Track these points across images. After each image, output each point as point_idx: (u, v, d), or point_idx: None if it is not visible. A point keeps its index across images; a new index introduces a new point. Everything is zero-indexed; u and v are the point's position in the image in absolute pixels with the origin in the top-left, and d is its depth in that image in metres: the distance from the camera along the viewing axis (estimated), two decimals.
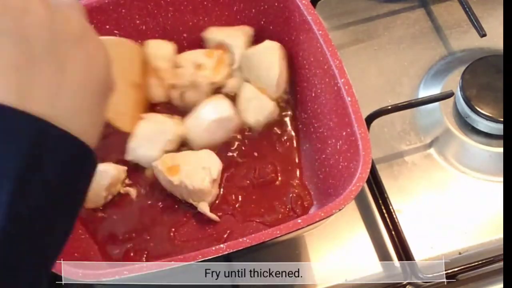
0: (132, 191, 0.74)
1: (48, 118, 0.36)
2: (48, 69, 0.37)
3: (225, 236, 0.72)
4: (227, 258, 0.68)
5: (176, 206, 0.73)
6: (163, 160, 0.71)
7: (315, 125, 0.75)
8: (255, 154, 0.76)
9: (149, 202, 0.74)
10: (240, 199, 0.74)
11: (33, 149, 0.36)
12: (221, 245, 0.60)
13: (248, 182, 0.75)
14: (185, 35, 0.81)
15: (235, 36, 0.78)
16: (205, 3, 0.79)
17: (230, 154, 0.76)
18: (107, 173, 0.72)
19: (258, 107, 0.76)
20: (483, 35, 0.85)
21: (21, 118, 0.36)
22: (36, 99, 0.36)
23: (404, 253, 0.73)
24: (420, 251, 0.74)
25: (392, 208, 0.75)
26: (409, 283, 0.72)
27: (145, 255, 0.71)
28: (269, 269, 0.72)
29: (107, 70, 0.40)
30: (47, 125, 0.36)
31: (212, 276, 0.73)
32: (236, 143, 0.76)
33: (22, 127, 0.36)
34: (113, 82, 0.42)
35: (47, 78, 0.37)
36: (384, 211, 0.75)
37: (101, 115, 0.41)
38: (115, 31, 0.78)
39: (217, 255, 0.60)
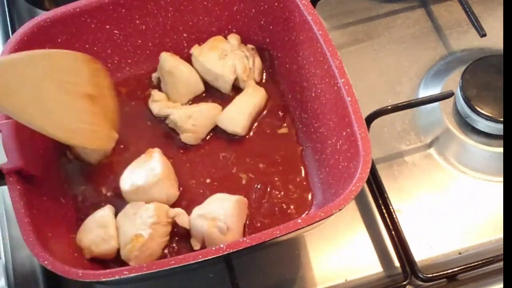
0: None
1: None
2: None
3: None
4: (227, 258, 0.69)
5: None
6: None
7: (315, 125, 0.75)
8: (257, 154, 0.77)
9: None
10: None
11: None
12: (221, 245, 0.60)
13: (248, 182, 0.75)
14: (185, 35, 0.81)
15: None
16: (205, 3, 0.79)
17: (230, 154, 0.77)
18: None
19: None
20: (483, 35, 0.85)
21: None
22: None
23: (404, 253, 0.73)
24: (420, 251, 0.74)
25: (392, 208, 0.75)
26: (409, 283, 0.71)
27: None
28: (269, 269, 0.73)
29: None
30: None
31: (212, 276, 0.73)
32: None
33: None
34: None
35: None
36: (384, 211, 0.75)
37: None
38: (115, 31, 0.78)
39: (217, 255, 0.60)
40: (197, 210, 0.70)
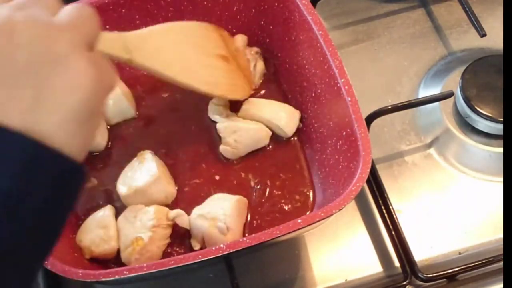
0: None
1: (26, 131, 0.37)
2: (26, 88, 0.37)
3: None
4: (227, 258, 0.69)
5: None
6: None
7: (315, 125, 0.75)
8: (256, 154, 0.77)
9: None
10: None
11: (21, 171, 0.36)
12: (221, 245, 0.60)
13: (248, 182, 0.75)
14: None
15: None
16: (205, 3, 0.79)
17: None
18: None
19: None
20: (483, 35, 0.85)
21: (11, 137, 0.36)
22: (11, 112, 0.37)
23: (404, 253, 0.73)
24: (420, 251, 0.74)
25: (392, 208, 0.75)
26: (409, 283, 0.71)
27: None
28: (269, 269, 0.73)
29: (91, 92, 0.39)
30: (36, 144, 0.37)
31: (212, 276, 0.73)
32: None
33: (12, 147, 0.36)
34: (100, 102, 0.41)
35: (24, 97, 0.37)
36: (384, 211, 0.75)
37: (88, 132, 0.41)
38: (115, 31, 0.78)
39: (217, 255, 0.60)
40: (197, 210, 0.70)
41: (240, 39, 0.80)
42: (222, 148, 0.75)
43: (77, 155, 0.39)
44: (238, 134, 0.75)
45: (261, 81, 0.81)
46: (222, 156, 0.76)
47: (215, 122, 0.77)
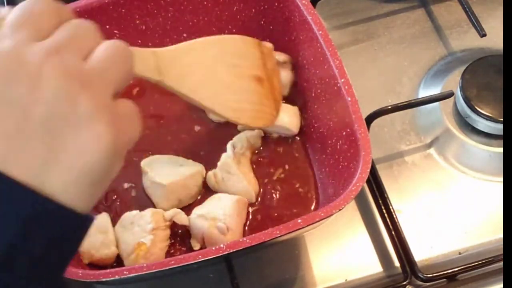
0: None
1: (33, 186, 0.36)
2: (39, 144, 0.36)
3: None
4: (227, 258, 0.69)
5: None
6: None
7: (315, 125, 0.75)
8: (256, 155, 0.77)
9: None
10: None
11: (25, 222, 0.35)
12: (221, 245, 0.60)
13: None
14: (185, 35, 0.81)
15: None
16: (205, 3, 0.79)
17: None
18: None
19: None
20: (483, 35, 0.85)
21: (18, 189, 0.35)
22: (20, 168, 0.36)
23: (404, 253, 0.73)
24: (420, 251, 0.74)
25: (392, 208, 0.75)
26: (409, 283, 0.71)
27: None
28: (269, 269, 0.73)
29: (105, 157, 0.38)
30: (43, 200, 0.36)
31: (212, 276, 0.73)
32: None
33: (18, 198, 0.35)
34: (117, 161, 0.40)
35: (36, 152, 0.36)
36: (384, 211, 0.75)
37: (100, 189, 0.40)
38: (115, 31, 0.78)
39: (217, 255, 0.60)
40: (197, 210, 0.70)
41: (280, 57, 0.77)
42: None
43: (86, 208, 0.38)
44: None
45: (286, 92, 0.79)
46: None
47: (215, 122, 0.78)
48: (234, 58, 0.68)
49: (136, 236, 0.68)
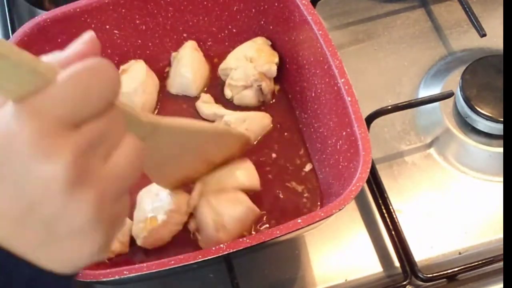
0: None
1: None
2: (33, 235, 0.38)
3: None
4: (227, 258, 0.69)
5: None
6: None
7: (315, 125, 0.75)
8: (256, 155, 0.77)
9: None
10: None
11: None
12: (221, 245, 0.60)
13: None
14: (185, 35, 0.81)
15: None
16: (205, 3, 0.79)
17: None
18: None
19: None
20: (483, 35, 0.85)
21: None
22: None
23: (404, 253, 0.73)
24: (420, 251, 0.74)
25: (392, 208, 0.75)
26: (409, 283, 0.71)
27: None
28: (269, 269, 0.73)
29: (97, 252, 0.40)
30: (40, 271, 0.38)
31: (212, 276, 0.73)
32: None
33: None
34: (108, 245, 0.41)
35: (29, 240, 0.38)
36: (384, 211, 0.75)
37: (93, 260, 0.41)
38: (115, 31, 0.78)
39: (217, 255, 0.60)
40: (211, 198, 0.69)
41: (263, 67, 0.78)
42: None
43: (80, 269, 0.41)
44: (248, 123, 0.76)
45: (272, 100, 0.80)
46: None
47: (210, 120, 0.78)
48: (206, 145, 0.66)
49: (153, 209, 0.68)
